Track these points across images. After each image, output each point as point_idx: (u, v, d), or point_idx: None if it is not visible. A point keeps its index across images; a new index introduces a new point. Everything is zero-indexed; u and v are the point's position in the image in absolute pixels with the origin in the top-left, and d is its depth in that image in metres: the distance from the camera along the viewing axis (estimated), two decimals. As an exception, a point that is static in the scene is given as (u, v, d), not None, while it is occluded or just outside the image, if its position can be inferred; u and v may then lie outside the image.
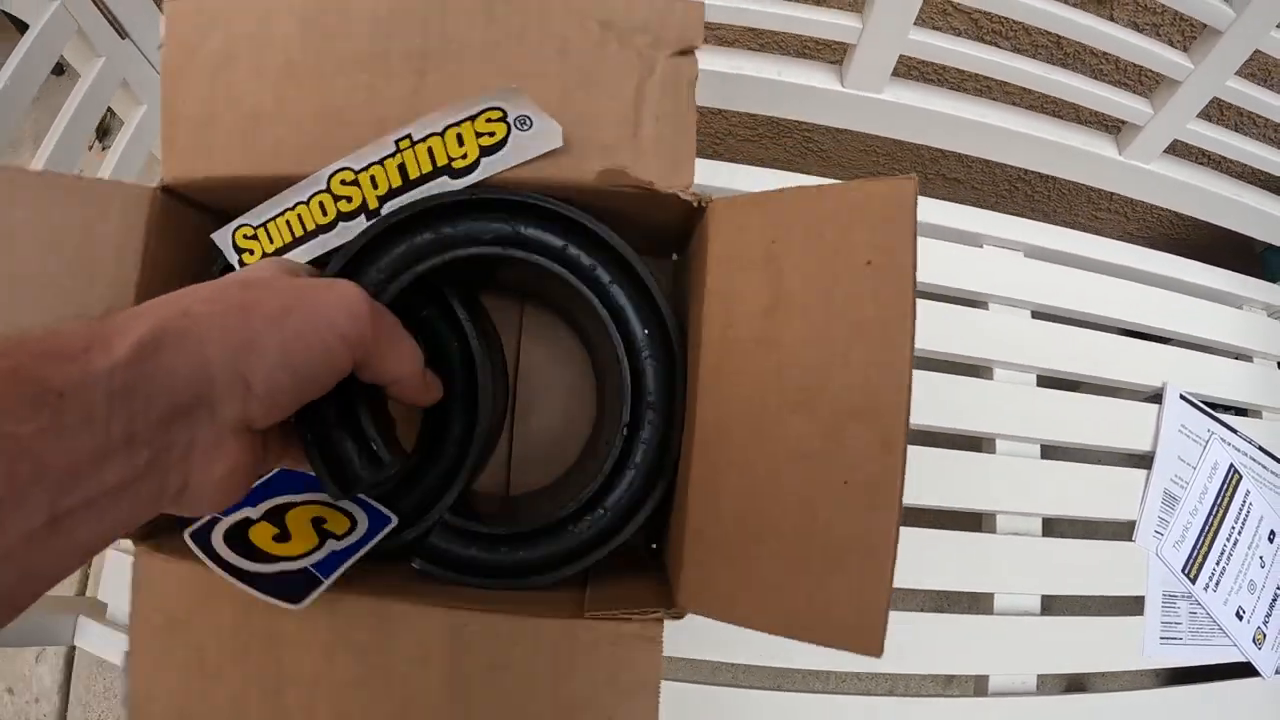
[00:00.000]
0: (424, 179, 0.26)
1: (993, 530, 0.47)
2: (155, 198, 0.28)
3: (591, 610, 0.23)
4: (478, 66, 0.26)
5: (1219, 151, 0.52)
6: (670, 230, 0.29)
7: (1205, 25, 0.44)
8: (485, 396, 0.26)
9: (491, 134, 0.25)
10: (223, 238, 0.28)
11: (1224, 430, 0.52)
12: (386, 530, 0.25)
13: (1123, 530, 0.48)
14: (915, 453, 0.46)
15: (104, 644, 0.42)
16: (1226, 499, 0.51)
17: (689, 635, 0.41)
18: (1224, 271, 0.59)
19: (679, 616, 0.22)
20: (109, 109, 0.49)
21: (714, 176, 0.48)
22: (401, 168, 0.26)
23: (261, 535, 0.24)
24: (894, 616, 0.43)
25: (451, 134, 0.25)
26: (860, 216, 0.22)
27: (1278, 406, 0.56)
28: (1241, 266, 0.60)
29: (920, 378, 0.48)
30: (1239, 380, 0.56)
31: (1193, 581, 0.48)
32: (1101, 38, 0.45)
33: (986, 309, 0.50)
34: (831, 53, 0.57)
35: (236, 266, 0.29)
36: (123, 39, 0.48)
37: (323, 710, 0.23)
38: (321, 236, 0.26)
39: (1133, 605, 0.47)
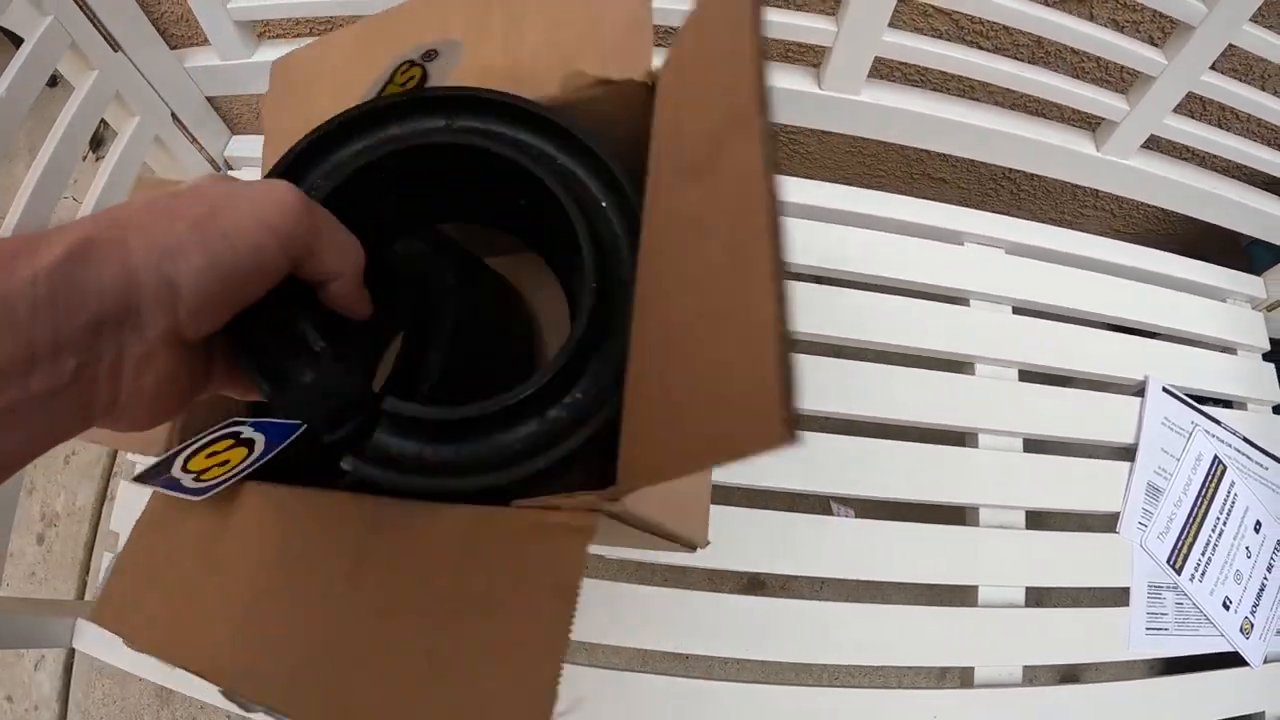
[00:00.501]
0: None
1: (976, 524, 0.47)
2: None
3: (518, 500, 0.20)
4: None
5: (1197, 146, 0.52)
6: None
7: (1178, 21, 0.45)
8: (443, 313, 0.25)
9: (411, 77, 0.26)
10: None
11: (1208, 422, 0.53)
12: (293, 436, 0.22)
13: (1106, 523, 0.48)
14: (899, 448, 0.47)
15: (102, 646, 0.42)
16: (1211, 490, 0.51)
17: (676, 627, 0.42)
18: (1207, 265, 0.59)
19: (615, 499, 0.18)
20: (102, 120, 0.50)
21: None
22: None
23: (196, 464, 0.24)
24: (882, 610, 0.44)
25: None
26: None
27: (1262, 398, 0.57)
28: (1229, 261, 0.61)
29: (903, 374, 0.49)
30: (1223, 373, 0.56)
31: (1178, 573, 0.48)
32: (1076, 36, 0.46)
33: (968, 305, 0.51)
34: (814, 55, 0.58)
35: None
36: (115, 52, 0.49)
37: (241, 587, 0.22)
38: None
39: (1118, 597, 0.47)
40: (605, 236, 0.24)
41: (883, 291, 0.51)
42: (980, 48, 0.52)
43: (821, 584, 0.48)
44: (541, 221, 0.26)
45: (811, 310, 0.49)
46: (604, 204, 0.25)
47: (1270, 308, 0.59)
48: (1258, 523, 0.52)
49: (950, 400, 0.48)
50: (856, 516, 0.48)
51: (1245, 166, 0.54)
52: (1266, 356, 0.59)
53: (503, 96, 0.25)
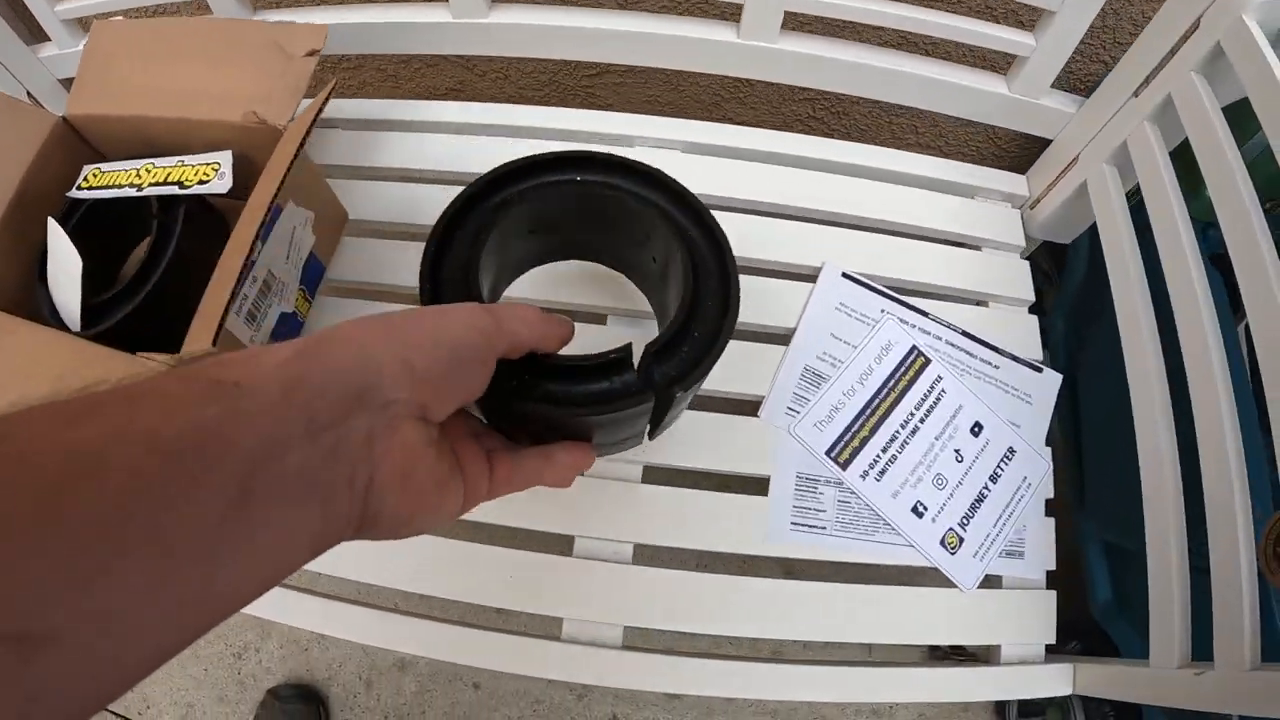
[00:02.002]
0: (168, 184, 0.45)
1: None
2: (57, 123, 0.46)
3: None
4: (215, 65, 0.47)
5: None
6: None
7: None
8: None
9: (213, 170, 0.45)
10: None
11: (906, 311, 0.47)
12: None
13: (751, 408, 0.44)
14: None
15: None
16: (903, 384, 0.45)
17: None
18: (959, 164, 0.54)
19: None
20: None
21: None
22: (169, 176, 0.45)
23: None
24: None
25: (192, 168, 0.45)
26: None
27: (1012, 296, 0.50)
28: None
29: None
30: (962, 270, 0.50)
31: (842, 467, 0.43)
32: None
33: None
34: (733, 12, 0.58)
35: (74, 191, 0.44)
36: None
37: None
38: (129, 189, 0.45)
39: (759, 487, 0.43)
40: (702, 279, 0.32)
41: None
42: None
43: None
44: (644, 250, 0.35)
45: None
46: (692, 233, 0.33)
47: (1033, 205, 0.53)
48: (977, 424, 0.45)
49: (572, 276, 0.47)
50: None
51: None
52: (1040, 252, 0.52)
53: (614, 157, 0.34)
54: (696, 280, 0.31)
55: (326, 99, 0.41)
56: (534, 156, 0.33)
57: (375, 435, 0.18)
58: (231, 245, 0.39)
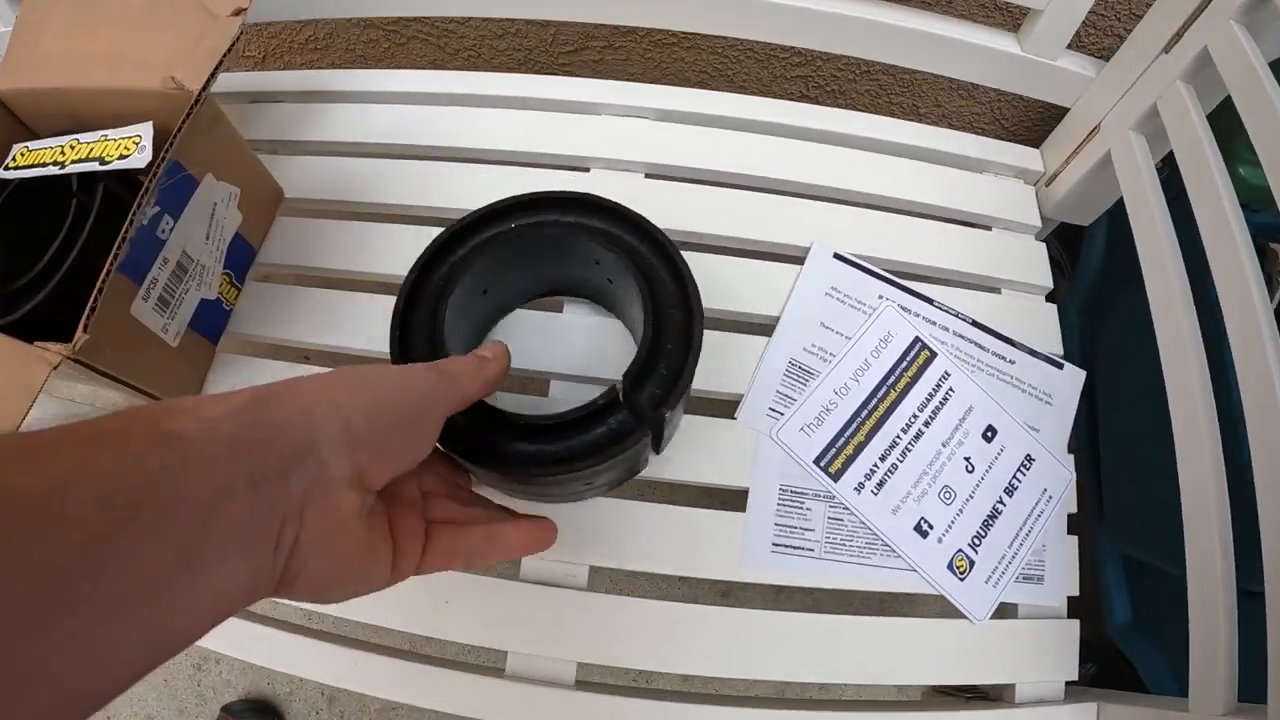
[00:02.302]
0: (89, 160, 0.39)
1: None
2: None
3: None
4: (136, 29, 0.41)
5: None
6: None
7: None
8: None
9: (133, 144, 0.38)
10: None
11: (907, 297, 0.41)
12: None
13: (728, 409, 0.39)
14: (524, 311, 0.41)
15: None
16: (905, 379, 0.40)
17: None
18: (964, 135, 0.49)
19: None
20: None
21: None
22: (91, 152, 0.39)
23: None
24: None
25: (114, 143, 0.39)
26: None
27: (1026, 282, 0.44)
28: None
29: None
30: (972, 251, 0.45)
31: (834, 478, 0.37)
32: None
33: (588, 173, 0.45)
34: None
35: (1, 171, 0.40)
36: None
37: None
38: (51, 167, 0.39)
39: (737, 501, 0.37)
40: (658, 291, 0.32)
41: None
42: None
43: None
44: (612, 282, 0.35)
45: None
46: (655, 263, 0.33)
47: (1049, 181, 0.47)
48: (990, 428, 0.40)
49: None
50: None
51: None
52: (1055, 237, 0.47)
53: (591, 198, 0.34)
54: (653, 293, 0.31)
55: (229, 50, 0.36)
56: (474, 213, 0.34)
57: (310, 496, 0.19)
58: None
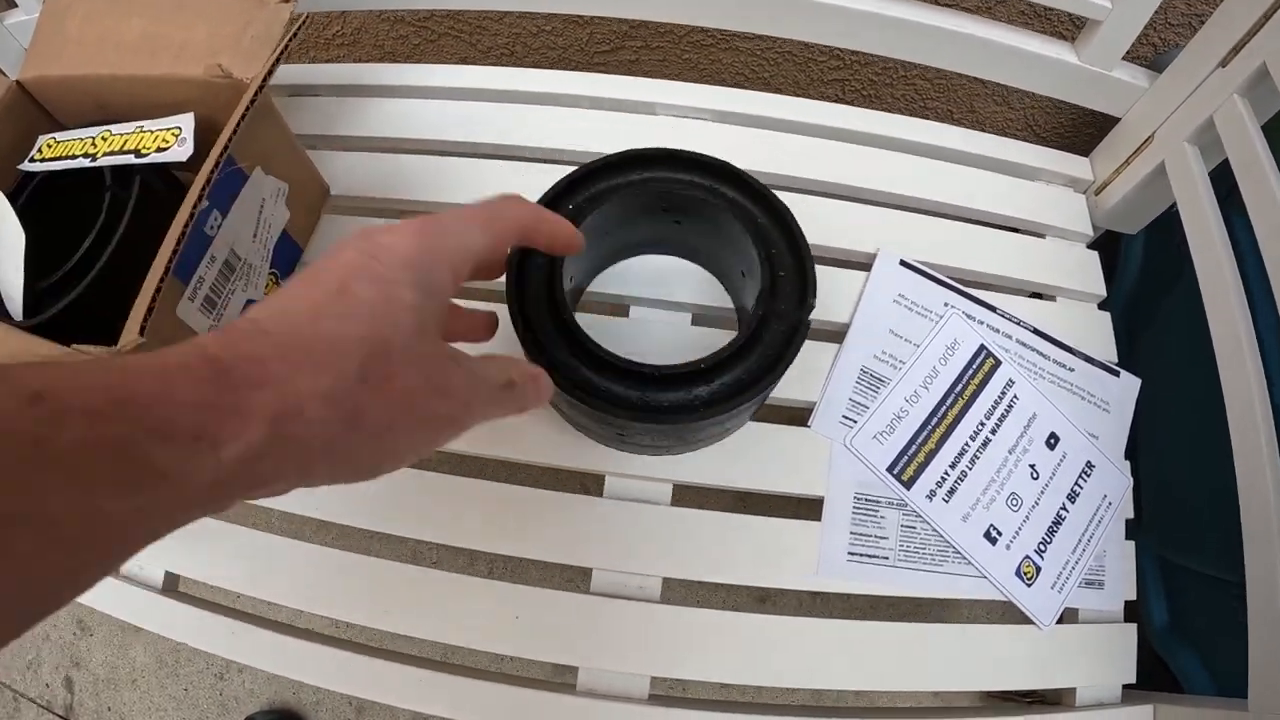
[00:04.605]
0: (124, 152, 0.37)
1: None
2: (10, 88, 0.40)
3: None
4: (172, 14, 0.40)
5: None
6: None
7: None
8: None
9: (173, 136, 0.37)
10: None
11: (972, 305, 0.41)
12: None
13: (800, 416, 0.38)
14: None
15: None
16: (972, 387, 0.40)
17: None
18: (1019, 143, 0.49)
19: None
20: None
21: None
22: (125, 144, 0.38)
23: None
24: (506, 490, 0.36)
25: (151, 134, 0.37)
26: None
27: (1080, 290, 0.45)
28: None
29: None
30: (1027, 260, 0.45)
31: (906, 486, 0.37)
32: None
33: None
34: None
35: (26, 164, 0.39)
36: None
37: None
38: (83, 160, 0.38)
39: (808, 510, 0.37)
40: (773, 249, 0.34)
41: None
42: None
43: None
44: (719, 243, 0.37)
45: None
46: (761, 221, 0.35)
47: (1099, 190, 0.48)
48: (1053, 436, 0.40)
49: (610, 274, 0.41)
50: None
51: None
52: (1098, 247, 0.47)
53: (702, 157, 0.36)
54: (774, 283, 0.33)
55: (293, 35, 0.34)
56: (626, 153, 0.36)
57: None
58: (179, 216, 0.32)
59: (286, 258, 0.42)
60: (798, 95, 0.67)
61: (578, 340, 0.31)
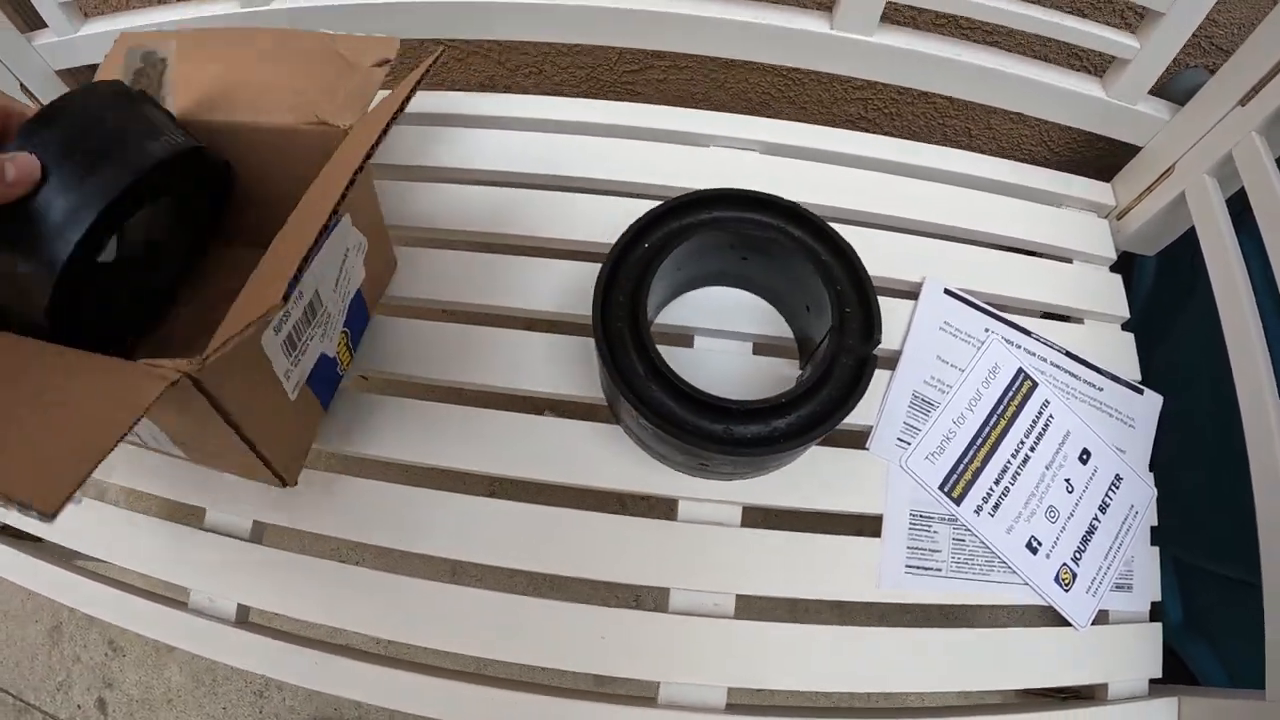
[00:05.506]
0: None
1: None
2: None
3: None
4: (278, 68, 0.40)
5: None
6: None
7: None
8: None
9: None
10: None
11: (1010, 331, 0.44)
12: None
13: (860, 441, 0.41)
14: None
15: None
16: (1012, 409, 0.43)
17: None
18: (1043, 170, 0.52)
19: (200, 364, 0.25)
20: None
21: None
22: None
23: None
24: (570, 514, 0.38)
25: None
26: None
27: (1106, 312, 0.48)
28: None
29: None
30: (1055, 284, 0.48)
31: (956, 502, 0.40)
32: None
33: None
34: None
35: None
36: None
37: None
38: None
39: (875, 527, 0.39)
40: (839, 287, 0.37)
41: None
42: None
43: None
44: (784, 280, 0.40)
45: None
46: (826, 259, 0.38)
47: (1120, 215, 0.51)
48: (1085, 451, 0.43)
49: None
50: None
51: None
52: (1116, 268, 0.50)
53: (770, 197, 0.39)
54: (842, 320, 0.36)
55: (426, 71, 0.32)
56: (701, 192, 0.39)
57: None
58: (307, 210, 0.30)
59: (359, 318, 0.42)
60: (821, 113, 0.69)
61: (664, 376, 0.33)
